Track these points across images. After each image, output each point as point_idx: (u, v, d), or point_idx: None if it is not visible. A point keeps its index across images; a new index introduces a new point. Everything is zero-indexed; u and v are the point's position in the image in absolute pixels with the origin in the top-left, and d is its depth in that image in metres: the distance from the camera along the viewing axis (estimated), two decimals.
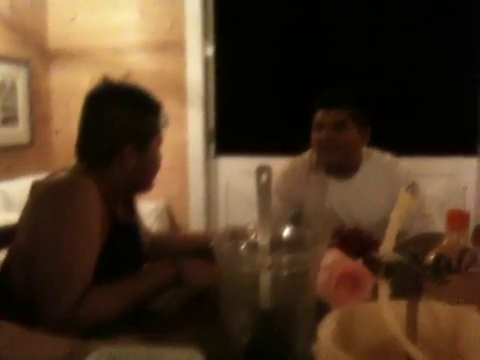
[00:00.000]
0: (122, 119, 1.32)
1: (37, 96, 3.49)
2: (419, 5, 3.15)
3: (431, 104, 3.16)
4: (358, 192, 1.88)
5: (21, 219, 1.32)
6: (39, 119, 3.52)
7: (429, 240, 1.62)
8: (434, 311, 0.72)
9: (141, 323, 1.13)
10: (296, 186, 1.93)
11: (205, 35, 3.37)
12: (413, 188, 0.86)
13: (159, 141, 1.41)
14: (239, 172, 3.36)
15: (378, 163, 1.92)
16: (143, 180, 1.41)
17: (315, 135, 1.87)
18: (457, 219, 0.86)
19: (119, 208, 1.39)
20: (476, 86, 3.15)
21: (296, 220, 1.89)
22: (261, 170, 0.87)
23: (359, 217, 1.83)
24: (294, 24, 3.31)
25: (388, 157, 1.96)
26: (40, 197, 1.26)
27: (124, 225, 1.38)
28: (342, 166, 1.89)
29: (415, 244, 1.65)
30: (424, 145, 3.08)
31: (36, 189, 1.32)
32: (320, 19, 3.27)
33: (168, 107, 3.83)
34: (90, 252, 1.21)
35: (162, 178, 3.97)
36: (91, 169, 1.32)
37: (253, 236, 0.90)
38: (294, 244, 0.90)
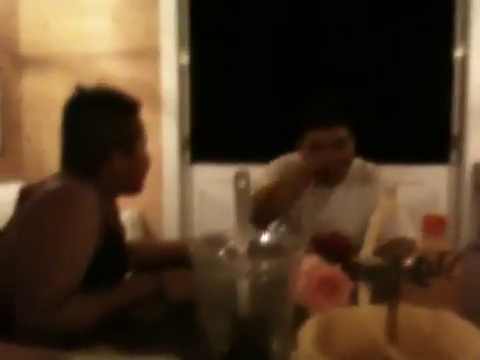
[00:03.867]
0: (105, 124, 1.32)
1: (8, 103, 3.42)
2: (390, 14, 3.21)
3: (403, 113, 3.21)
4: (343, 199, 1.88)
5: (9, 225, 1.28)
6: (10, 126, 3.45)
7: (402, 246, 1.65)
8: (414, 315, 0.72)
9: (120, 332, 1.11)
10: None
11: (180, 42, 3.36)
12: (391, 192, 0.86)
13: (144, 140, 1.40)
14: (214, 180, 3.35)
15: (360, 171, 1.92)
16: (133, 182, 1.41)
17: (312, 156, 1.74)
18: (434, 223, 0.86)
19: (110, 214, 1.38)
20: (448, 95, 3.22)
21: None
22: (239, 176, 0.86)
23: (343, 224, 1.82)
24: (269, 32, 3.33)
25: (370, 165, 1.97)
26: (41, 204, 1.23)
27: (114, 232, 1.36)
28: (334, 178, 1.86)
29: (387, 251, 1.65)
30: (396, 153, 3.12)
31: (27, 196, 1.29)
32: (294, 27, 3.29)
33: (142, 115, 3.79)
34: (84, 259, 1.20)
35: None
36: (82, 177, 1.29)
37: (231, 243, 0.89)
38: (272, 250, 0.90)
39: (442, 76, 3.20)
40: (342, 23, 3.25)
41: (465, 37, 3.14)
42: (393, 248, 1.68)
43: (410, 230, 1.77)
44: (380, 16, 3.21)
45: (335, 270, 0.94)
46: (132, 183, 1.41)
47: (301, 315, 0.84)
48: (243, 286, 0.82)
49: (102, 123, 1.32)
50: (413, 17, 3.18)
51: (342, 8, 3.25)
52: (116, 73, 3.38)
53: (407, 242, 1.68)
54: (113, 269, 1.33)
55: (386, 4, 3.20)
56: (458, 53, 3.19)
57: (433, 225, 0.88)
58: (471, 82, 3.10)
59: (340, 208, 1.87)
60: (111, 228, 1.35)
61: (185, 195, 3.48)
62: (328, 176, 1.79)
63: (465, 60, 3.15)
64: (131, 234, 3.30)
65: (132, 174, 1.38)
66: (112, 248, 1.32)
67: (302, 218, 1.88)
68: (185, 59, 3.40)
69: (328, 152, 1.71)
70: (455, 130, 3.24)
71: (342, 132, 1.74)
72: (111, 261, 1.31)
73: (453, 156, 3.26)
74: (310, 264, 1.00)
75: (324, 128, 1.71)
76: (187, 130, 3.46)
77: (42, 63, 3.47)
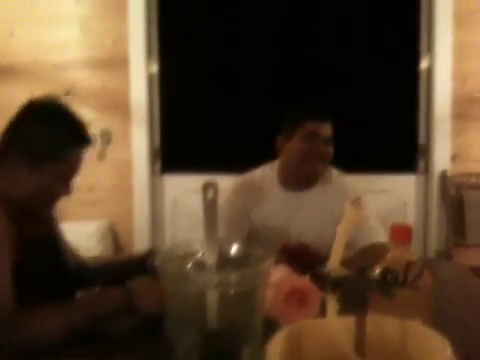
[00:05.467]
0: (24, 132, 1.29)
1: None
2: (356, 27, 3.26)
3: (371, 122, 3.26)
4: (314, 204, 1.90)
5: None
6: None
7: (376, 251, 1.67)
8: (382, 326, 0.72)
9: (87, 346, 1.09)
10: (250, 201, 1.91)
11: (149, 52, 3.34)
12: (357, 202, 0.87)
13: (62, 170, 1.31)
14: (185, 190, 3.33)
15: (330, 178, 1.95)
16: (31, 199, 1.30)
17: (305, 145, 1.84)
18: (401, 233, 0.87)
19: (32, 223, 1.33)
20: (414, 106, 3.28)
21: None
22: (207, 186, 0.85)
23: (313, 231, 1.84)
24: (238, 40, 3.34)
25: (338, 173, 2.00)
26: None
27: (40, 241, 1.32)
28: (312, 179, 1.91)
29: (363, 256, 1.67)
30: (364, 162, 3.16)
31: None
32: (263, 37, 3.32)
33: (111, 124, 3.75)
34: (2, 274, 1.14)
35: (106, 197, 3.89)
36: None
37: (200, 254, 0.88)
38: (241, 261, 0.89)
39: (408, 87, 3.27)
40: (309, 36, 3.29)
41: (430, 49, 3.21)
42: (368, 253, 1.70)
43: (382, 235, 1.80)
44: (346, 28, 3.26)
45: (304, 281, 0.94)
46: (32, 200, 1.30)
47: (270, 327, 0.83)
48: (212, 298, 0.81)
49: (23, 130, 1.29)
50: (379, 29, 3.24)
51: (309, 21, 3.29)
52: (84, 82, 3.34)
53: (381, 246, 1.71)
54: (52, 279, 1.30)
55: (351, 17, 3.25)
56: (424, 64, 3.26)
57: (400, 234, 0.88)
58: (436, 93, 3.17)
59: (312, 211, 1.89)
60: (35, 237, 1.30)
61: (156, 205, 3.45)
62: (314, 168, 1.86)
63: (430, 71, 3.22)
64: (100, 246, 3.24)
65: (30, 190, 1.28)
66: (41, 256, 1.28)
67: (275, 221, 1.88)
68: (154, 68, 3.38)
69: (321, 145, 1.83)
70: (422, 139, 3.30)
71: (330, 130, 1.86)
72: (45, 270, 1.28)
73: (420, 165, 3.32)
74: (279, 275, 1.00)
75: (317, 121, 1.85)
76: (157, 140, 3.43)
77: (9, 73, 3.40)
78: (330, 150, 1.87)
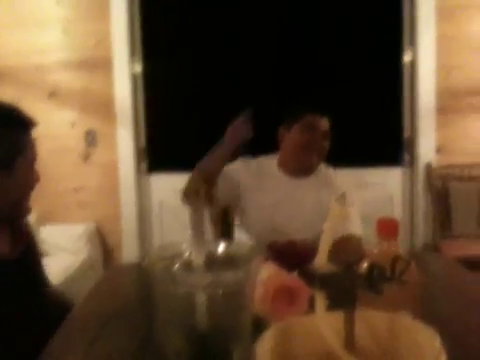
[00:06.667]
0: None
1: None
2: (339, 21, 3.27)
3: (356, 117, 3.27)
4: (305, 192, 1.96)
5: None
6: None
7: (350, 243, 1.69)
8: (370, 320, 0.73)
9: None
10: (248, 176, 1.98)
11: (132, 52, 3.32)
12: (343, 199, 0.86)
13: (29, 160, 1.27)
14: (172, 189, 3.31)
15: (322, 173, 2.01)
16: (12, 204, 1.26)
17: (303, 136, 1.92)
18: (387, 227, 0.87)
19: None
20: (399, 99, 3.30)
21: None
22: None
23: (302, 216, 1.90)
24: (222, 39, 3.33)
25: (324, 166, 2.04)
26: None
27: (7, 260, 1.26)
28: (308, 169, 1.98)
29: (338, 246, 1.69)
30: (350, 156, 3.17)
31: None
32: (245, 36, 3.31)
33: (97, 125, 3.72)
34: None
35: (93, 198, 3.86)
36: None
37: (187, 255, 0.88)
38: (228, 261, 0.88)
39: (393, 81, 3.28)
40: (292, 31, 3.30)
41: (414, 43, 3.23)
42: (342, 245, 1.71)
43: (358, 228, 1.83)
44: (329, 23, 3.27)
45: (293, 278, 0.94)
46: (10, 205, 1.26)
47: (259, 325, 0.83)
48: (200, 299, 0.80)
49: None
50: (362, 24, 3.25)
51: (292, 17, 3.29)
52: (68, 84, 3.31)
53: (355, 239, 1.73)
54: (26, 305, 1.24)
55: (334, 12, 3.26)
56: (407, 58, 3.27)
57: (387, 228, 0.88)
58: (420, 86, 3.19)
59: (305, 198, 1.95)
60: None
61: (143, 205, 3.44)
62: (310, 159, 1.94)
63: (414, 65, 3.24)
64: (88, 248, 3.22)
65: (11, 194, 1.24)
66: (9, 278, 1.22)
67: (269, 199, 1.94)
68: (138, 68, 3.36)
69: (320, 138, 1.92)
70: (407, 133, 3.33)
71: (328, 125, 1.95)
72: (17, 294, 1.23)
73: (406, 158, 3.34)
74: (267, 273, 1.00)
75: (320, 114, 1.94)
76: (143, 139, 3.42)
77: None
78: (326, 144, 1.94)
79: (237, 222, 2.08)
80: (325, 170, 2.02)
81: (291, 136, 1.95)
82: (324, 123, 1.93)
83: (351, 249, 1.62)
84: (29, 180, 1.29)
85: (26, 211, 1.31)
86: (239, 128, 1.87)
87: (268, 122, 2.03)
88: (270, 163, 2.02)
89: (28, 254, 1.37)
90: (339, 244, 1.73)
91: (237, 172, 1.98)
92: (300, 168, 1.97)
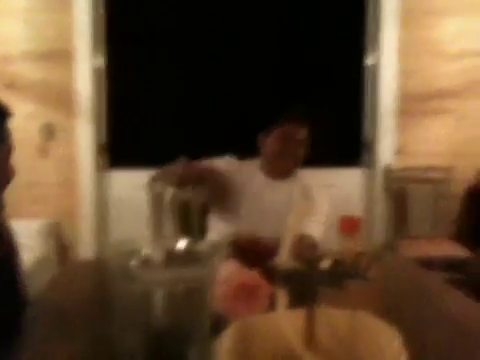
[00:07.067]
0: None
1: None
2: (304, 23, 3.29)
3: (317, 118, 3.28)
4: (283, 195, 2.00)
5: None
6: None
7: (303, 242, 1.70)
8: (332, 318, 0.72)
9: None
10: (234, 171, 2.01)
11: (95, 45, 3.24)
12: (306, 197, 0.87)
13: (5, 152, 1.21)
14: (133, 186, 3.25)
15: (296, 174, 2.07)
16: None
17: (278, 145, 1.98)
18: (349, 224, 0.87)
19: None
20: (360, 101, 3.35)
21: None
22: (154, 179, 0.82)
23: (280, 217, 1.89)
24: (186, 34, 3.30)
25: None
26: None
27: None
28: (284, 175, 2.03)
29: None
30: (310, 156, 3.19)
31: None
32: (209, 30, 3.29)
33: (56, 118, 3.63)
34: None
35: (49, 194, 3.76)
36: None
37: (145, 251, 0.85)
38: (188, 257, 0.86)
39: (355, 83, 3.33)
40: (253, 30, 3.29)
41: (376, 46, 3.28)
42: (295, 244, 1.73)
43: (315, 229, 1.86)
44: (293, 24, 3.29)
45: (253, 275, 0.92)
46: None
47: (219, 323, 0.81)
48: (159, 297, 0.78)
49: None
50: (325, 27, 3.28)
51: (252, 16, 3.29)
52: (28, 75, 3.21)
53: (307, 238, 1.75)
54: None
55: (298, 14, 3.28)
56: (369, 61, 3.32)
57: (349, 226, 0.88)
58: (382, 89, 3.25)
59: (282, 200, 1.98)
60: None
61: (101, 202, 3.36)
62: (284, 166, 2.01)
63: (376, 68, 3.29)
64: (44, 245, 3.13)
65: None
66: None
67: (250, 196, 1.98)
68: (100, 61, 3.29)
69: (292, 146, 1.98)
70: (367, 134, 3.37)
71: (305, 134, 2.02)
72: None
73: (365, 159, 3.39)
74: (229, 270, 0.98)
75: (298, 125, 2.01)
76: (103, 134, 3.34)
77: None
78: (301, 152, 2.01)
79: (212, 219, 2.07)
80: (299, 172, 2.09)
81: (268, 143, 2.01)
82: (301, 133, 2.00)
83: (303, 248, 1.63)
84: (6, 174, 1.20)
85: (1, 207, 1.22)
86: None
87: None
88: (253, 164, 2.08)
89: (9, 257, 1.28)
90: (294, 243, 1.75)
91: (223, 168, 2.02)
92: (276, 172, 2.03)
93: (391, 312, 0.80)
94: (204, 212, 2.08)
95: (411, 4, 3.21)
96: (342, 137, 3.33)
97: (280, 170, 2.03)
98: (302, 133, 2.00)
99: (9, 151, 1.22)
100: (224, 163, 2.04)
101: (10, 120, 1.22)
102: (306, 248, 1.71)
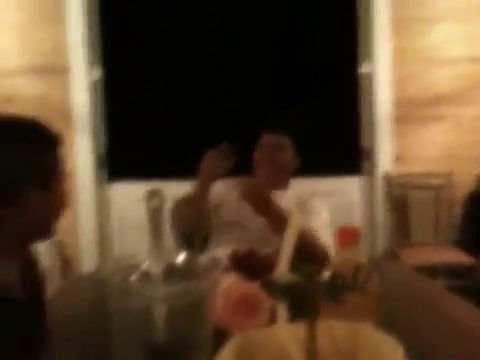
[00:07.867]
0: (18, 156, 1.11)
1: None
2: (299, 33, 3.31)
3: (316, 126, 3.30)
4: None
5: None
6: None
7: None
8: (332, 330, 0.71)
9: None
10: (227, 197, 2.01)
11: (91, 57, 3.25)
12: (302, 207, 0.87)
13: (64, 176, 1.20)
14: (133, 199, 3.25)
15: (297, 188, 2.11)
16: (46, 224, 1.15)
17: (258, 153, 2.04)
18: (347, 235, 0.87)
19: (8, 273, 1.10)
20: (358, 109, 3.35)
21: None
22: (152, 194, 0.82)
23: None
24: (183, 45, 3.32)
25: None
26: None
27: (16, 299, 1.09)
28: (275, 186, 2.00)
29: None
30: (309, 166, 3.19)
31: None
32: (205, 42, 3.31)
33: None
34: None
35: None
36: None
37: (145, 266, 0.85)
38: (188, 271, 0.86)
39: (351, 91, 3.34)
40: (248, 39, 3.31)
41: (371, 54, 3.29)
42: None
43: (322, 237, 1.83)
44: (287, 33, 3.31)
45: (253, 288, 0.92)
46: (43, 225, 1.15)
47: (220, 337, 0.81)
48: (159, 312, 0.78)
49: (13, 153, 1.11)
50: (320, 36, 3.30)
51: (248, 24, 3.31)
52: (24, 90, 3.22)
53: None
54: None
55: (291, 22, 3.30)
56: (365, 69, 3.33)
57: (347, 237, 0.88)
58: (378, 97, 3.26)
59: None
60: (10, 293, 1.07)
61: (102, 216, 3.36)
62: (270, 175, 2.00)
63: (372, 76, 3.30)
64: (46, 262, 3.12)
65: (45, 214, 1.13)
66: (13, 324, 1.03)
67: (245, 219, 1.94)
68: (97, 73, 3.30)
69: (270, 151, 2.02)
70: (366, 142, 3.38)
71: (283, 139, 2.06)
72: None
73: (365, 167, 3.39)
74: (229, 283, 0.98)
75: (274, 131, 2.08)
76: (102, 148, 3.34)
77: None
78: (281, 157, 2.02)
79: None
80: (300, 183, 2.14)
81: (255, 157, 2.06)
82: (277, 138, 2.05)
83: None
84: (63, 199, 1.18)
85: (53, 233, 1.19)
86: (212, 163, 1.89)
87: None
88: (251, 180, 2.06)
89: (38, 291, 1.24)
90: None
91: (218, 196, 2.01)
92: (269, 184, 1.98)
93: (393, 323, 0.80)
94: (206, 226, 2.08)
95: (402, 12, 3.22)
96: (341, 145, 3.33)
97: (267, 179, 1.98)
98: (278, 138, 2.05)
99: (64, 178, 1.20)
100: (221, 189, 2.02)
101: (62, 148, 1.21)
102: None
